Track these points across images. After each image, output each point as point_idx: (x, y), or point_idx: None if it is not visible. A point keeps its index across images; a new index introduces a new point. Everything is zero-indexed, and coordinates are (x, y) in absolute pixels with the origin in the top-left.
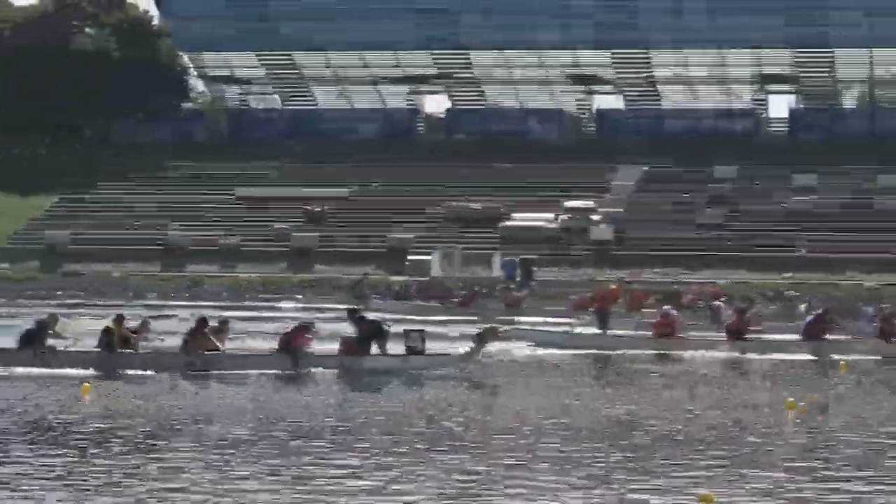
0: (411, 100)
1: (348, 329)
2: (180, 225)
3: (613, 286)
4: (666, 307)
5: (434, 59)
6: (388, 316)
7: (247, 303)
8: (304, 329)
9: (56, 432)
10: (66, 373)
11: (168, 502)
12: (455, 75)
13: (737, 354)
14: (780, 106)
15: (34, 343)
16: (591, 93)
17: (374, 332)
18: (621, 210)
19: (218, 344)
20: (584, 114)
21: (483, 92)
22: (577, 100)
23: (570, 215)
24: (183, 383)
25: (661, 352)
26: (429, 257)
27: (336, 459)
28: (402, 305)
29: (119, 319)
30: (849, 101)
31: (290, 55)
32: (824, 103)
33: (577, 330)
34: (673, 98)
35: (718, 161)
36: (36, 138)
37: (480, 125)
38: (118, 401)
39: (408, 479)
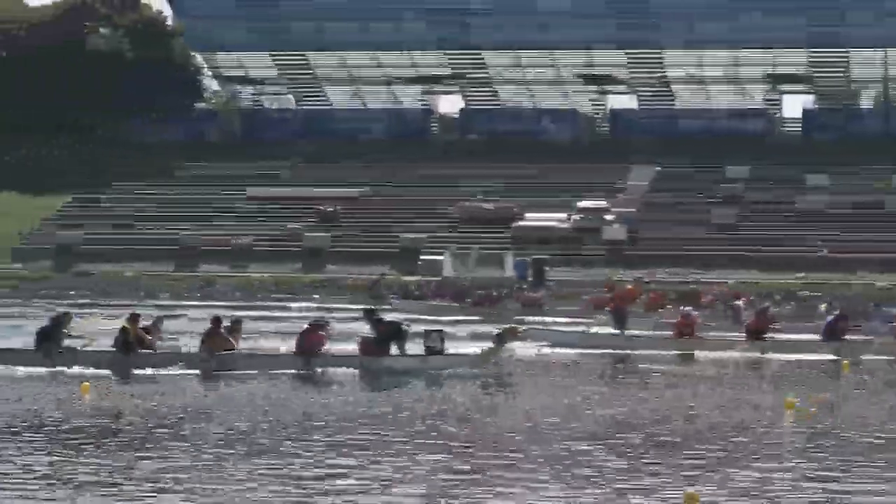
0: (425, 100)
1: (365, 329)
2: (193, 225)
3: (631, 286)
4: (686, 308)
5: (448, 59)
6: (405, 316)
7: (259, 302)
8: (318, 328)
9: (48, 431)
10: (81, 372)
11: (155, 501)
12: (469, 75)
13: (756, 355)
14: (794, 106)
15: (50, 341)
16: (604, 93)
17: (394, 332)
18: (634, 210)
19: (234, 343)
20: (597, 114)
21: (496, 92)
22: (590, 100)
23: (582, 215)
24: (194, 383)
25: (679, 352)
26: (441, 257)
27: (329, 458)
28: (418, 305)
29: (134, 319)
30: (863, 102)
31: (303, 55)
32: (839, 103)
33: (594, 330)
34: (686, 98)
35: (731, 161)
36: (49, 138)
37: (494, 125)
38: (119, 400)
39: (396, 477)
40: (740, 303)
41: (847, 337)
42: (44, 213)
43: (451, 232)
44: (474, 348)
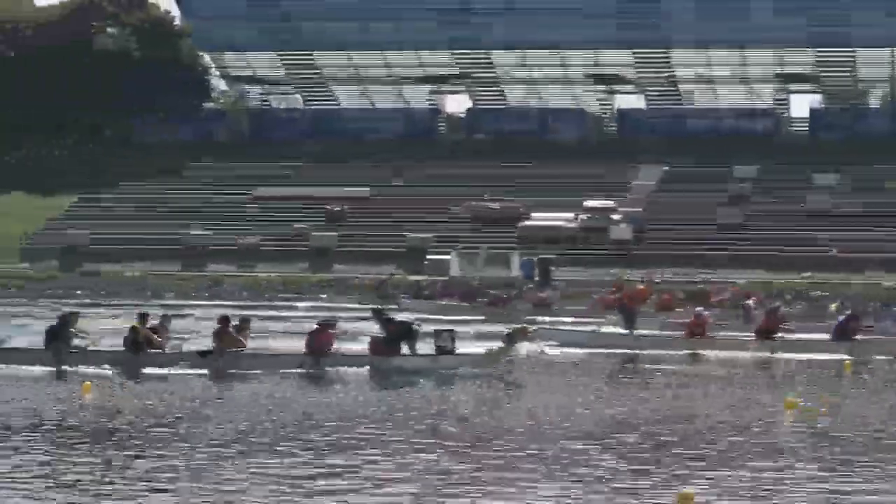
0: (432, 99)
1: (374, 329)
2: (200, 225)
3: (642, 286)
4: (699, 308)
5: (455, 58)
6: (414, 316)
7: (266, 302)
8: (327, 328)
9: (42, 430)
10: (89, 372)
11: (145, 500)
12: (476, 75)
13: (766, 355)
14: (801, 106)
15: (58, 340)
16: (612, 92)
17: (404, 332)
18: (641, 210)
19: (244, 341)
20: (605, 113)
21: (504, 92)
22: (598, 99)
23: (589, 215)
24: (202, 383)
25: (689, 352)
26: (447, 257)
27: (330, 458)
28: (428, 305)
29: (143, 318)
30: (871, 101)
31: (311, 55)
32: (846, 103)
33: (604, 330)
34: (694, 98)
35: (739, 161)
36: (56, 138)
37: (501, 125)
38: (121, 399)
39: (390, 477)
40: (751, 302)
41: (858, 337)
42: (50, 213)
43: (458, 231)
44: (484, 348)
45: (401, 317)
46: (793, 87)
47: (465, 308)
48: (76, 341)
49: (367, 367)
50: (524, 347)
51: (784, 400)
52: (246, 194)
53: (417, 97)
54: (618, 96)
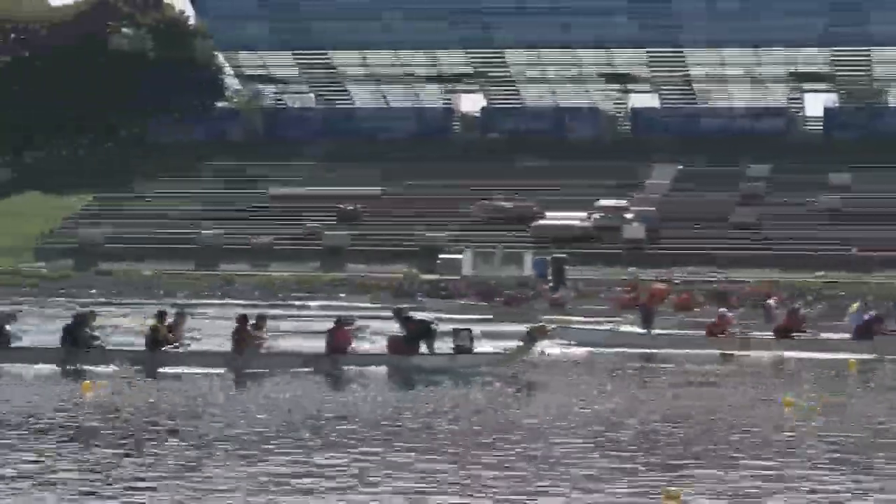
0: (447, 98)
1: (392, 328)
2: (214, 224)
3: (661, 286)
4: (722, 309)
5: (469, 57)
6: (431, 315)
7: (279, 301)
8: (346, 326)
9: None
10: (105, 370)
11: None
12: (490, 74)
13: (785, 354)
14: (816, 105)
15: (75, 339)
16: (626, 91)
17: (423, 331)
18: (654, 209)
19: (263, 339)
20: (619, 113)
21: (518, 91)
22: (612, 98)
23: (602, 214)
24: (216, 382)
25: (707, 351)
26: (460, 256)
27: (317, 456)
28: (446, 304)
29: (161, 316)
30: (887, 100)
31: (325, 54)
32: (861, 102)
33: (622, 329)
34: (708, 97)
35: (753, 160)
36: (72, 138)
37: (515, 124)
38: (122, 399)
39: (375, 477)
40: (772, 302)
41: (879, 336)
42: (66, 212)
43: (471, 231)
44: (503, 347)
45: (419, 315)
46: (807, 85)
47: (483, 307)
48: (98, 342)
49: (385, 366)
50: (543, 346)
51: (784, 399)
52: (260, 193)
53: (432, 96)
54: (632, 95)
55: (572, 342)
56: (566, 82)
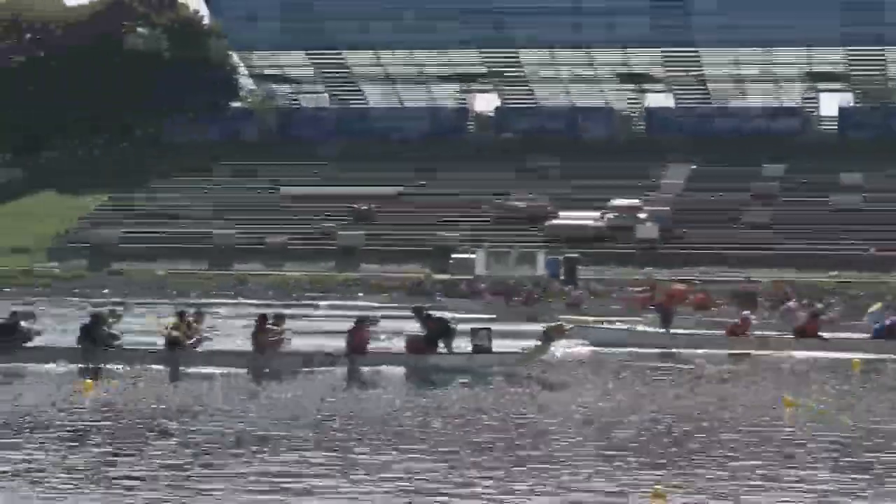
0: (461, 98)
1: (406, 326)
2: (228, 223)
3: (680, 286)
4: (745, 312)
5: (484, 57)
6: (449, 314)
7: (293, 301)
8: (365, 325)
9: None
10: (123, 369)
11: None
12: (505, 74)
13: (804, 354)
14: (831, 104)
15: (91, 338)
16: (641, 91)
17: (442, 330)
18: (667, 209)
19: (282, 338)
20: (633, 112)
21: (532, 90)
22: (626, 98)
23: (616, 214)
24: (232, 381)
25: (726, 351)
26: (473, 256)
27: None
28: (463, 303)
29: (181, 316)
30: None
31: (339, 54)
32: (876, 101)
33: (640, 328)
34: (723, 96)
35: (767, 160)
36: (86, 138)
37: (529, 124)
38: (125, 398)
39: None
40: (792, 303)
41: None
42: (81, 212)
43: (484, 230)
44: (521, 346)
45: (437, 314)
46: (822, 85)
47: (500, 306)
48: (118, 342)
49: (404, 366)
50: (560, 345)
51: (784, 399)
52: (274, 191)
53: (445, 96)
54: (646, 95)
55: (591, 341)
56: (580, 82)
